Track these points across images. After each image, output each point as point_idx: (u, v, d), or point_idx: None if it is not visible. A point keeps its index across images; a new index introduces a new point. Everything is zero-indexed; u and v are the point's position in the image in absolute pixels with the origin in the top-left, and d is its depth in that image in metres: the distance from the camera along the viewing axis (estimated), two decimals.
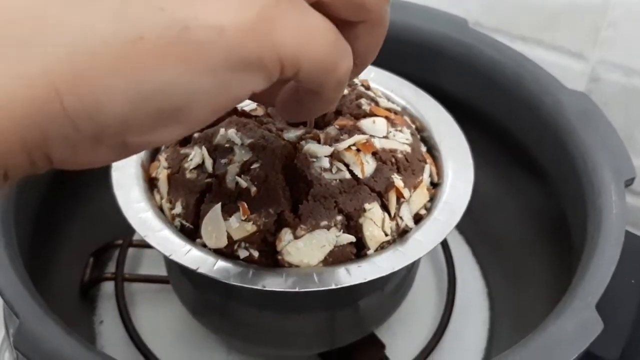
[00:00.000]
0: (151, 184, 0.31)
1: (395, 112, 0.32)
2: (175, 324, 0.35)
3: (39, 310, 0.25)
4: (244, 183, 0.27)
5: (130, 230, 0.39)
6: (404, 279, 0.32)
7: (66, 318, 0.33)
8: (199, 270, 0.26)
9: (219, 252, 0.27)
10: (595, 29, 0.43)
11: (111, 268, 0.38)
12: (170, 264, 0.32)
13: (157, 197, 0.30)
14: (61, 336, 0.24)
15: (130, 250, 0.39)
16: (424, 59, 0.39)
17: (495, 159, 0.37)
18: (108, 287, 0.38)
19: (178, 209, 0.28)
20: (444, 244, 0.39)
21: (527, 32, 0.45)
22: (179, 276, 0.32)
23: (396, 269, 0.27)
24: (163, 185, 0.29)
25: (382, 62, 0.37)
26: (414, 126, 0.33)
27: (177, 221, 0.28)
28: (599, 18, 0.42)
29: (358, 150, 0.28)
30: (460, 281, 0.37)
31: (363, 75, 0.35)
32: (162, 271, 0.37)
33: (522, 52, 0.45)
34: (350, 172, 0.28)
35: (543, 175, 0.35)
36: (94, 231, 0.39)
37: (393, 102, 0.34)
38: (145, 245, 0.39)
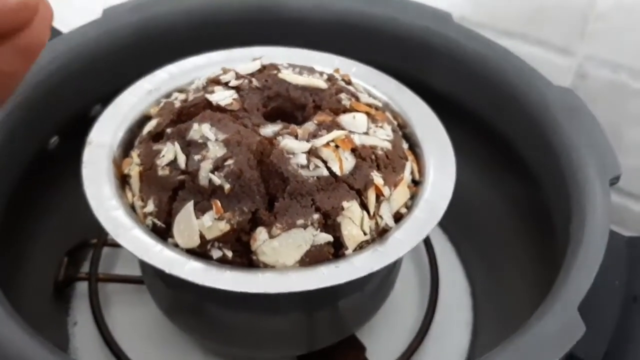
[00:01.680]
0: (123, 180, 0.30)
1: (377, 108, 0.31)
2: (150, 325, 0.34)
3: (1, 311, 0.24)
4: (217, 180, 0.26)
5: (105, 229, 0.39)
6: (384, 279, 0.31)
7: (39, 319, 0.32)
8: (170, 272, 0.25)
9: (191, 252, 0.26)
10: (583, 23, 0.42)
11: (86, 267, 0.37)
12: (144, 264, 0.31)
13: (129, 194, 0.29)
14: (24, 339, 0.23)
15: (105, 250, 0.37)
16: (408, 53, 0.38)
17: (480, 155, 0.37)
18: (82, 287, 0.36)
19: (150, 207, 0.27)
20: (427, 242, 0.38)
21: (513, 26, 0.45)
22: (153, 277, 0.31)
23: (375, 269, 0.26)
24: (135, 182, 0.28)
25: (364, 55, 0.37)
26: (395, 122, 0.32)
27: (149, 220, 0.28)
28: (587, 11, 0.42)
29: (337, 146, 0.27)
30: (443, 280, 0.37)
31: (344, 69, 0.35)
32: (137, 271, 0.36)
33: (508, 47, 0.44)
34: (328, 169, 0.27)
35: (528, 172, 0.34)
36: (69, 229, 0.38)
37: (375, 98, 0.33)
38: (119, 245, 0.38)
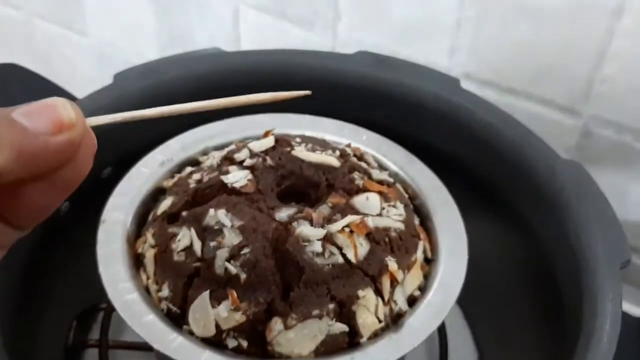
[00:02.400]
0: (137, 259, 0.30)
1: (389, 185, 0.32)
2: None
3: None
4: (233, 269, 0.26)
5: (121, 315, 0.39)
6: None
7: None
8: None
9: (206, 341, 0.26)
10: (588, 85, 0.43)
11: (95, 332, 0.37)
12: None
13: (144, 276, 0.29)
14: None
15: (115, 314, 0.37)
16: (416, 118, 0.39)
17: (490, 224, 0.37)
18: (92, 353, 0.36)
19: (165, 292, 0.28)
20: None
21: (518, 84, 0.45)
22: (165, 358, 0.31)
23: None
24: (150, 264, 0.29)
25: (373, 120, 0.37)
26: (406, 195, 0.33)
27: (163, 304, 0.28)
28: (593, 73, 0.42)
29: (351, 231, 0.28)
30: (451, 346, 0.37)
31: (354, 139, 0.35)
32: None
33: (512, 105, 0.45)
34: (343, 255, 0.27)
35: (537, 245, 0.35)
36: (77, 293, 0.38)
37: (385, 169, 0.34)
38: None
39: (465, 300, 0.39)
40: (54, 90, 0.41)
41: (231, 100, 0.22)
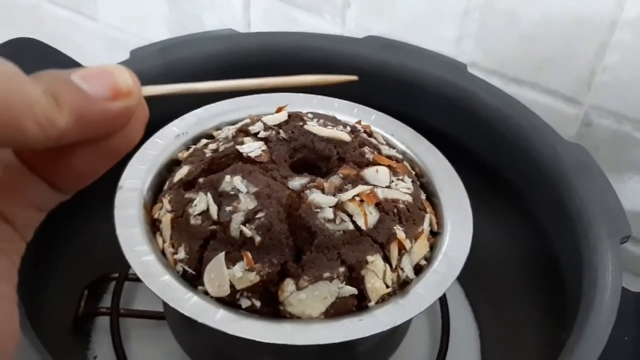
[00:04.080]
0: (153, 225, 0.31)
1: (397, 160, 0.33)
2: None
3: (30, 347, 0.25)
4: (248, 232, 0.27)
5: (126, 264, 0.39)
6: (401, 326, 0.32)
7: (60, 352, 0.33)
8: (202, 321, 0.26)
9: (220, 301, 0.27)
10: (590, 75, 0.44)
11: (106, 301, 0.38)
12: (169, 307, 0.32)
13: (160, 240, 0.30)
14: None
15: (126, 284, 0.38)
16: (423, 101, 0.40)
17: (493, 206, 0.38)
18: (103, 321, 0.37)
19: (181, 254, 0.29)
20: None
21: (523, 74, 0.46)
22: (178, 319, 0.32)
23: (397, 323, 0.27)
24: (166, 229, 0.30)
25: (381, 102, 0.38)
26: (414, 172, 0.34)
27: (179, 266, 0.29)
28: (594, 64, 0.43)
29: (361, 200, 0.29)
30: (453, 324, 0.38)
31: (363, 118, 0.36)
32: (157, 306, 0.37)
33: (517, 94, 0.46)
34: (354, 223, 0.28)
35: (539, 224, 0.36)
36: (89, 263, 0.39)
37: (393, 147, 0.35)
38: (139, 279, 0.39)
39: (467, 279, 0.41)
40: (70, 63, 0.42)
41: (281, 81, 0.22)
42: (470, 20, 0.46)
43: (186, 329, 0.32)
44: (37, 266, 0.36)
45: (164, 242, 0.30)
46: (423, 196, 0.33)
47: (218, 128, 0.35)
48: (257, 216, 0.28)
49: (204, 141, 0.34)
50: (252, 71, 0.41)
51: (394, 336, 0.33)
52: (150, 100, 0.42)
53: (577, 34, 0.43)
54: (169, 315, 0.33)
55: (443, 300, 0.38)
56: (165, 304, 0.34)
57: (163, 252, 0.29)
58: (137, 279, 0.38)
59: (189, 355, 0.33)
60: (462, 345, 0.37)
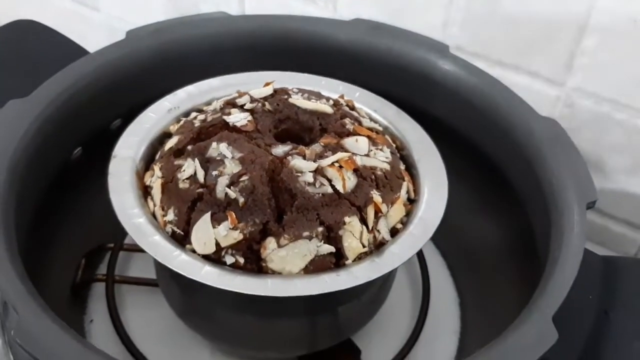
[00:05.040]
0: (145, 191, 0.32)
1: (377, 132, 0.34)
2: (163, 325, 0.37)
3: (37, 308, 0.26)
4: (232, 194, 0.29)
5: (121, 234, 0.41)
6: (380, 288, 0.34)
7: (58, 316, 0.34)
8: (188, 275, 0.28)
9: (207, 258, 0.29)
10: (570, 58, 0.45)
11: (101, 270, 0.40)
12: (160, 268, 0.34)
13: (151, 204, 0.32)
14: (58, 332, 0.25)
15: (121, 254, 0.40)
16: (406, 80, 0.42)
17: (470, 177, 0.40)
18: (98, 288, 0.39)
19: (170, 216, 0.30)
20: (420, 256, 0.41)
21: (505, 57, 0.48)
22: (168, 280, 0.34)
23: (372, 278, 0.29)
24: (157, 193, 0.31)
25: (367, 83, 0.40)
26: (394, 145, 0.35)
27: (168, 227, 0.30)
28: (573, 47, 0.45)
29: (340, 166, 0.30)
30: (434, 291, 0.39)
31: (348, 95, 0.38)
32: (151, 274, 0.38)
33: (500, 77, 0.47)
34: (333, 187, 0.30)
35: (514, 195, 0.37)
36: (86, 234, 0.41)
37: (375, 122, 0.36)
38: (135, 249, 0.41)
39: (447, 249, 0.42)
40: (69, 45, 0.44)
41: None
42: (455, 7, 0.48)
43: (177, 291, 0.34)
44: (37, 238, 0.38)
45: (154, 205, 0.31)
46: (402, 166, 0.34)
47: (208, 103, 0.37)
48: (241, 179, 0.29)
49: (194, 114, 0.35)
50: (242, 52, 0.43)
51: (374, 298, 0.34)
52: (143, 78, 0.43)
53: (556, 18, 0.44)
54: (160, 279, 0.35)
55: (424, 265, 0.40)
56: (157, 269, 0.36)
57: (154, 215, 0.31)
58: (132, 249, 0.41)
59: (180, 318, 0.35)
60: (442, 308, 0.39)
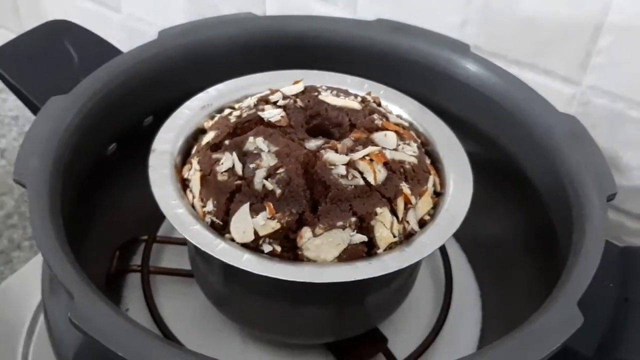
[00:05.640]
0: (183, 184, 0.34)
1: (404, 127, 0.36)
2: (196, 313, 0.38)
3: (90, 291, 0.28)
4: (270, 185, 0.31)
5: (154, 227, 0.43)
6: (407, 277, 0.36)
7: None
8: (229, 262, 0.29)
9: (245, 246, 0.31)
10: (586, 57, 0.47)
11: (135, 261, 0.42)
12: (197, 257, 0.36)
13: (190, 195, 0.33)
14: (111, 314, 0.27)
15: (154, 246, 0.42)
16: (429, 79, 0.43)
17: (490, 172, 0.41)
18: (133, 278, 0.41)
19: (209, 207, 0.32)
20: (442, 249, 0.42)
21: (523, 56, 0.49)
22: (205, 268, 0.35)
23: (403, 266, 0.30)
24: (195, 185, 0.33)
25: (391, 81, 0.41)
26: (419, 140, 0.37)
27: (208, 217, 0.32)
28: (590, 46, 0.46)
29: (371, 160, 0.32)
30: (456, 283, 0.41)
31: (374, 92, 0.39)
32: (181, 266, 0.40)
33: (518, 75, 0.49)
34: (364, 179, 0.31)
35: (534, 189, 0.39)
36: (119, 226, 0.42)
37: (401, 118, 0.38)
38: (167, 241, 0.42)
39: (469, 243, 0.44)
40: (103, 44, 0.46)
41: None
42: (473, 7, 0.49)
43: (213, 278, 0.35)
44: (75, 230, 0.40)
45: (193, 197, 0.33)
46: (428, 161, 0.36)
47: (238, 100, 0.38)
48: (277, 172, 0.31)
49: (227, 110, 0.37)
50: (269, 51, 0.45)
51: (402, 287, 0.36)
52: (174, 76, 0.45)
53: (572, 17, 0.46)
54: (196, 269, 0.37)
55: (446, 258, 0.41)
56: (192, 259, 0.37)
57: (193, 207, 0.33)
58: (164, 241, 0.42)
59: (215, 305, 0.36)
60: (464, 298, 0.40)
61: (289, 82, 0.38)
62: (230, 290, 0.35)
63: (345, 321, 0.35)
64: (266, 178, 0.31)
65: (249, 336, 0.37)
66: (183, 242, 0.40)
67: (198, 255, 0.35)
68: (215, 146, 0.34)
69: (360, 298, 0.34)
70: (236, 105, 0.38)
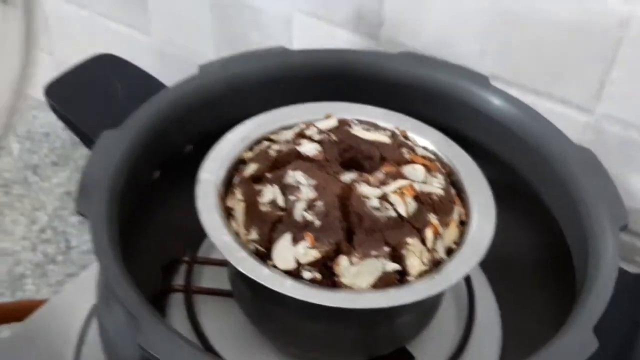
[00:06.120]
0: (227, 212, 0.37)
1: (430, 160, 0.39)
2: (236, 331, 0.41)
3: (154, 316, 0.31)
4: (309, 217, 0.33)
5: (192, 248, 0.46)
6: (435, 301, 0.38)
7: None
8: (273, 288, 0.32)
9: (287, 273, 0.33)
10: (600, 86, 0.49)
11: (176, 281, 0.44)
12: (238, 280, 0.39)
13: (234, 224, 0.36)
14: (175, 338, 0.30)
15: (195, 267, 0.44)
16: (451, 109, 0.46)
17: (509, 199, 0.43)
18: (175, 298, 0.43)
19: (253, 235, 0.35)
20: None
21: (539, 85, 0.52)
22: (246, 290, 0.38)
23: (433, 293, 0.33)
24: (240, 214, 0.36)
25: (414, 111, 0.44)
26: (444, 171, 0.39)
27: (251, 245, 0.35)
28: (604, 76, 0.49)
29: (402, 193, 0.35)
30: (478, 305, 0.43)
31: (400, 124, 0.42)
32: (220, 285, 0.43)
33: (535, 103, 0.51)
34: (396, 211, 0.34)
35: (550, 215, 0.41)
36: (161, 249, 0.45)
37: (427, 149, 0.40)
38: (206, 262, 0.45)
39: (490, 268, 0.46)
40: (146, 78, 0.49)
41: None
42: (492, 37, 0.52)
43: (254, 300, 0.38)
44: (126, 256, 0.43)
45: (237, 225, 0.36)
46: (453, 192, 0.38)
47: (274, 132, 0.41)
48: (316, 204, 0.34)
49: (265, 143, 0.40)
50: (301, 84, 0.47)
51: (429, 310, 0.38)
52: (213, 107, 0.48)
53: (586, 49, 0.48)
54: (237, 291, 0.39)
55: (468, 280, 0.44)
56: (233, 281, 0.40)
57: (237, 234, 0.36)
58: (205, 262, 0.45)
59: (254, 325, 0.39)
60: (485, 319, 0.43)
61: (319, 114, 0.41)
62: (270, 312, 0.37)
63: (376, 341, 0.38)
64: (305, 210, 0.34)
65: (287, 354, 0.40)
66: (221, 263, 0.43)
67: (239, 278, 0.38)
68: (257, 178, 0.37)
69: (392, 320, 0.37)
70: (273, 137, 0.41)
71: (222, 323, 0.42)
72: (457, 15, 0.52)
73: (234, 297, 0.40)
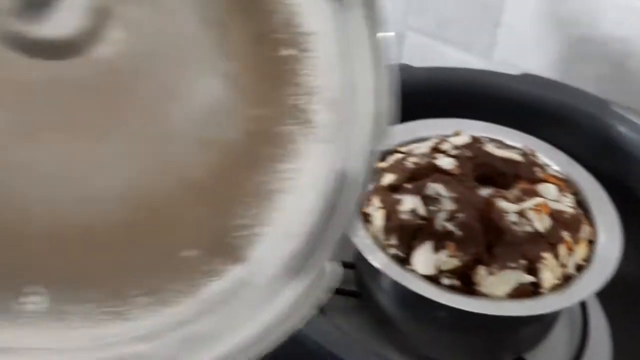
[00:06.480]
0: (364, 218, 0.39)
1: (560, 179, 0.40)
2: (357, 330, 0.43)
3: None
4: (451, 227, 0.36)
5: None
6: (556, 314, 0.40)
7: None
8: (416, 290, 0.35)
9: (426, 278, 0.36)
10: None
11: None
12: (368, 280, 0.41)
13: (371, 229, 0.39)
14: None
15: None
16: (573, 132, 0.47)
17: (623, 218, 0.44)
18: None
19: (392, 241, 0.37)
20: None
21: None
22: (376, 291, 0.40)
23: (565, 306, 0.35)
24: (379, 221, 0.38)
25: (544, 135, 0.45)
26: (571, 191, 0.41)
27: (391, 250, 0.37)
28: None
29: (538, 209, 0.36)
30: (590, 320, 0.45)
31: (526, 144, 0.44)
32: (343, 285, 0.45)
33: None
34: (532, 226, 0.36)
35: None
36: None
37: (554, 170, 0.42)
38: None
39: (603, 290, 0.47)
40: None
41: None
42: (608, 63, 0.53)
43: (384, 301, 0.40)
44: None
45: (376, 230, 0.38)
46: (580, 211, 0.40)
47: (401, 144, 0.44)
48: (457, 215, 0.36)
49: (398, 155, 0.42)
50: (424, 100, 0.50)
51: (551, 321, 0.40)
52: None
53: None
54: (365, 290, 0.42)
55: (582, 302, 0.45)
56: (361, 281, 0.42)
57: (375, 238, 0.38)
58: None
59: (379, 324, 0.41)
60: (597, 335, 0.44)
61: (440, 130, 0.43)
62: (401, 314, 0.40)
63: (499, 348, 0.40)
64: (447, 220, 0.36)
65: (410, 356, 0.42)
66: (346, 264, 0.46)
67: (371, 279, 0.41)
68: (395, 187, 0.39)
69: (518, 329, 0.38)
70: (403, 149, 0.43)
71: (346, 322, 0.44)
72: (579, 39, 0.53)
73: (361, 296, 0.43)
